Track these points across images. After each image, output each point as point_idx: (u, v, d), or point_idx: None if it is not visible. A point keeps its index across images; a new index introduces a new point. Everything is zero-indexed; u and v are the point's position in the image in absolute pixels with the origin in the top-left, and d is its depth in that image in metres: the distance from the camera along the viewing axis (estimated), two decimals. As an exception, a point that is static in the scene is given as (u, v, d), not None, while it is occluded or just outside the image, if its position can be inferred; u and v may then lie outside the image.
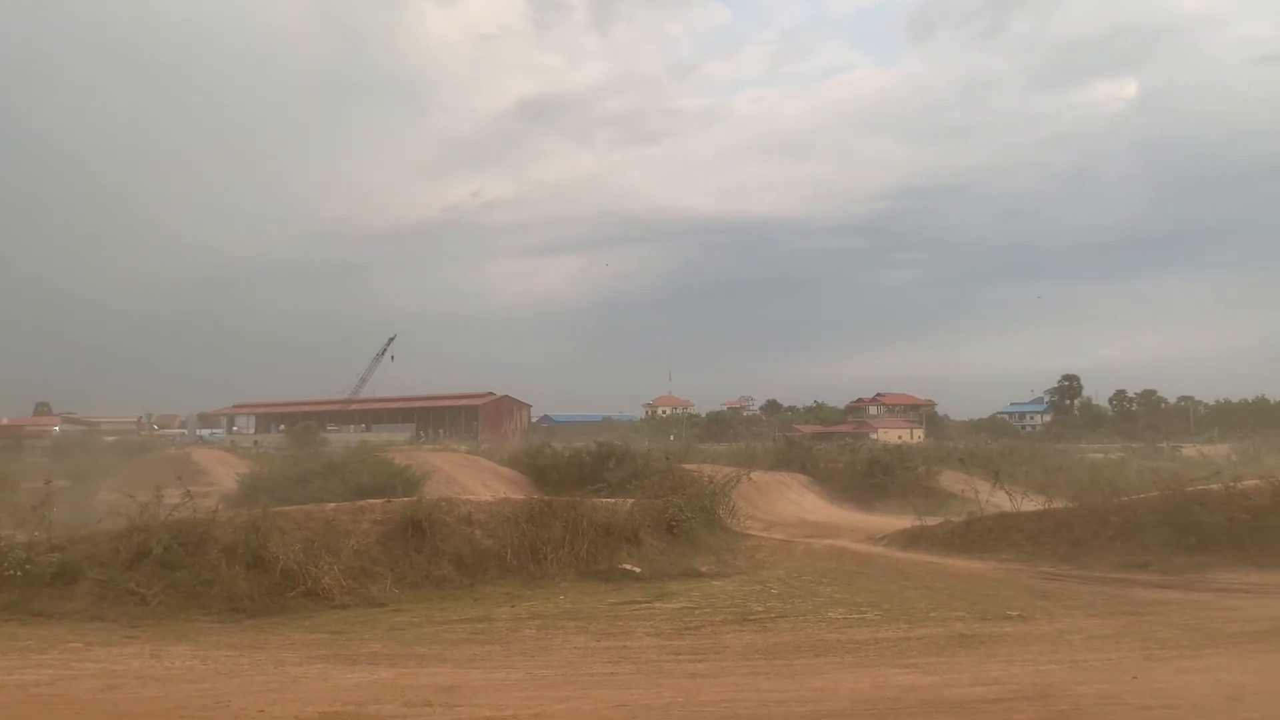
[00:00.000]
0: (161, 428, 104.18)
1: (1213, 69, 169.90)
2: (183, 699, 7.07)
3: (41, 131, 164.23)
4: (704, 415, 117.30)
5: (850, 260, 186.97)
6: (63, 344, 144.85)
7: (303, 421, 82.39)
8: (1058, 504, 17.48)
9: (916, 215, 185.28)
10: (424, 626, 10.42)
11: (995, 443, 61.27)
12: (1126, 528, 15.30)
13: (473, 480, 31.97)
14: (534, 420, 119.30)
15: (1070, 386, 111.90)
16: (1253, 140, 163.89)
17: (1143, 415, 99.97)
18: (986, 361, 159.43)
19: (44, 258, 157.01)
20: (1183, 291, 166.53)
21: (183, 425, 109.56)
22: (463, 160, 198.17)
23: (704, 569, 14.20)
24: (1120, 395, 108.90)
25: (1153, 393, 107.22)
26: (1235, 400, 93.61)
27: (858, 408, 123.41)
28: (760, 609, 11.06)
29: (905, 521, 19.33)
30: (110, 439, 62.69)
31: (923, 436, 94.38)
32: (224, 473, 33.29)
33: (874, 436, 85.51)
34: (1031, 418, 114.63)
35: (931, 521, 18.46)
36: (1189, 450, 46.32)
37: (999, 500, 19.68)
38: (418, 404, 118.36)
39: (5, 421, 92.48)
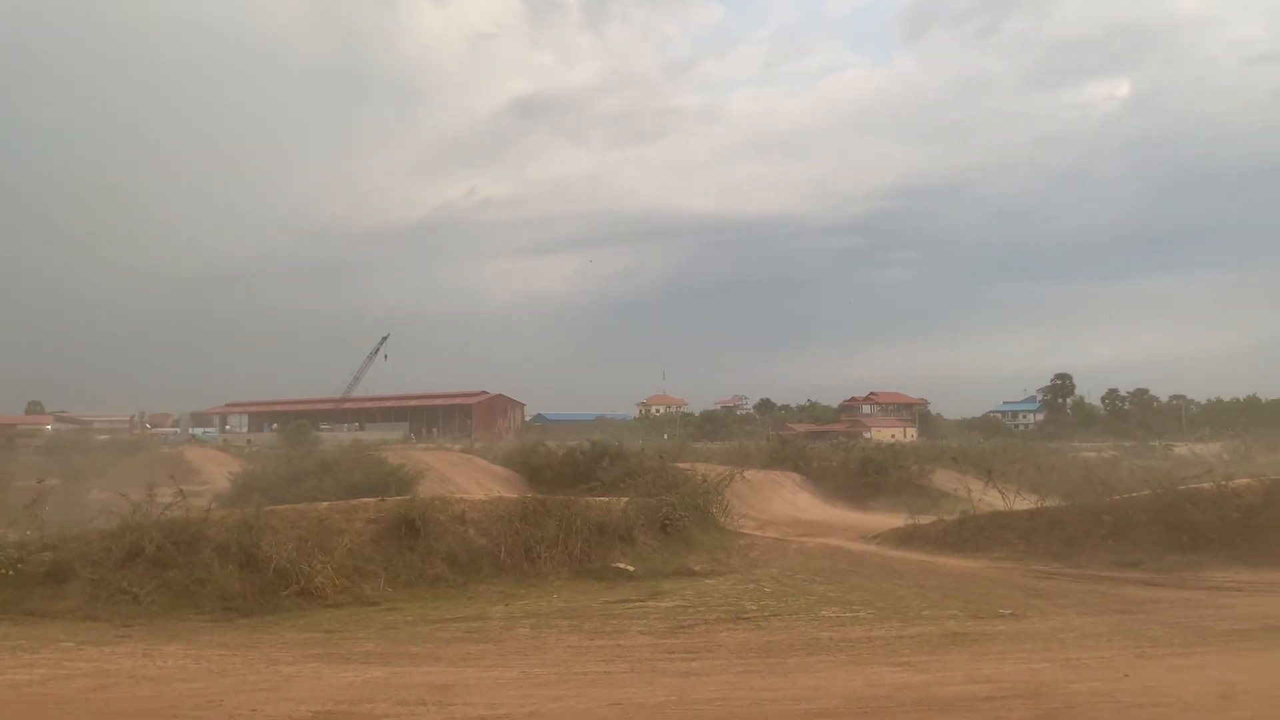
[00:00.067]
0: (154, 426, 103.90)
1: (1206, 69, 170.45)
2: (175, 698, 7.06)
3: (38, 130, 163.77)
4: (698, 414, 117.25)
5: (845, 260, 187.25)
6: (56, 342, 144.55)
7: (296, 420, 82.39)
8: (1050, 503, 17.53)
9: (911, 215, 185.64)
10: (417, 625, 10.42)
11: (988, 441, 61.37)
12: (1119, 526, 15.34)
13: (466, 479, 31.94)
14: (528, 419, 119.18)
15: (1063, 385, 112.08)
16: (1246, 140, 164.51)
17: (1135, 414, 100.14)
18: (980, 360, 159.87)
19: (38, 256, 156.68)
20: (1176, 291, 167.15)
21: (176, 424, 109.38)
22: (458, 159, 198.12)
23: (698, 567, 14.22)
24: (1113, 394, 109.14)
25: (1145, 392, 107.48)
26: (1227, 399, 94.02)
27: (851, 407, 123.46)
28: (754, 607, 11.07)
29: (898, 520, 19.38)
30: (103, 438, 62.47)
31: (916, 435, 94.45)
32: (217, 472, 33.23)
33: (867, 435, 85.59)
34: (1024, 417, 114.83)
35: (924, 520, 18.50)
36: (1181, 449, 46.47)
37: (992, 499, 19.76)
38: (411, 403, 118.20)
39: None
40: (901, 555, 16.10)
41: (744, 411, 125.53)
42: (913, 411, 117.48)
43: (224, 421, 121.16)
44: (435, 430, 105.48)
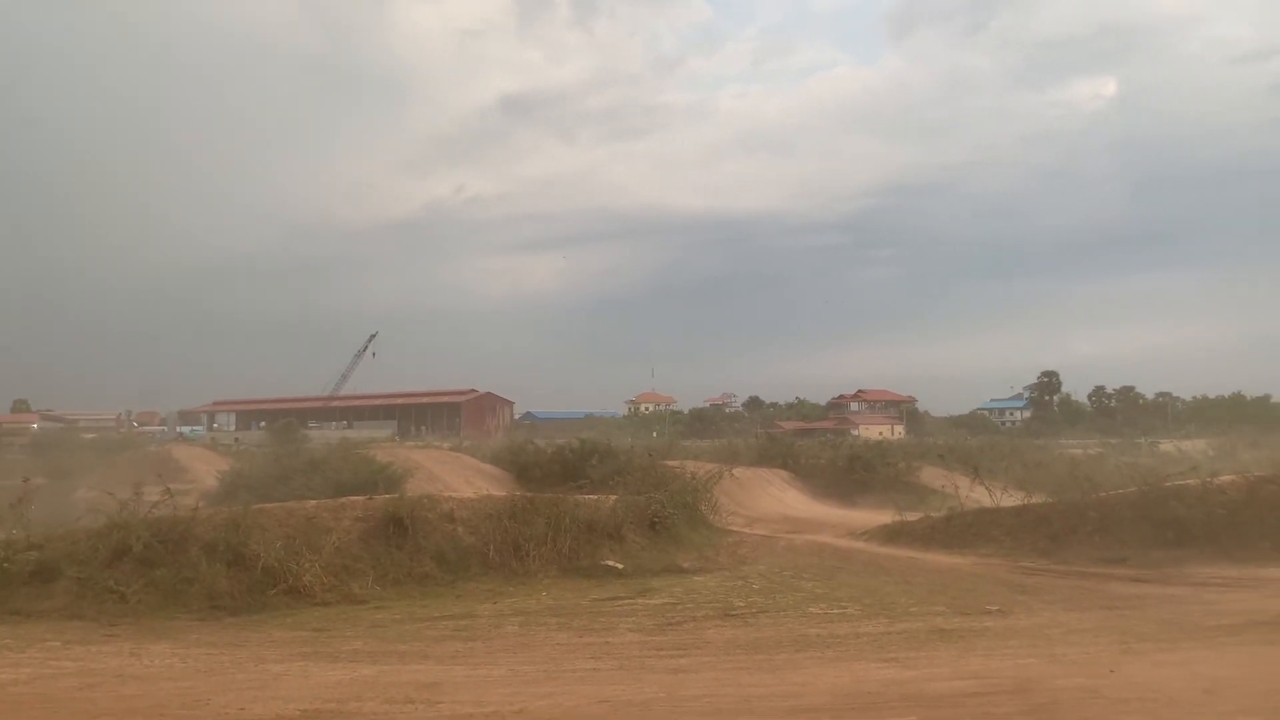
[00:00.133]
0: (141, 425, 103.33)
1: (1191, 68, 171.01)
2: (163, 697, 7.04)
3: (23, 129, 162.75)
4: (686, 412, 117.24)
5: (832, 257, 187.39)
6: (41, 340, 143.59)
7: (284, 419, 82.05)
8: (1036, 499, 17.59)
9: (898, 213, 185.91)
10: (406, 624, 10.41)
11: (975, 439, 61.57)
12: (1104, 523, 15.41)
13: (455, 477, 31.90)
14: (517, 417, 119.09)
15: (1049, 383, 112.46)
16: (1230, 139, 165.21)
17: (1121, 411, 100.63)
18: (967, 358, 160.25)
19: (24, 254, 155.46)
20: (1162, 288, 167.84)
21: (163, 422, 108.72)
22: (446, 156, 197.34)
23: (686, 565, 14.24)
24: (1099, 391, 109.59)
25: (1131, 389, 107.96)
26: (1213, 396, 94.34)
27: (839, 404, 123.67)
28: (742, 604, 11.10)
29: (886, 517, 19.42)
30: (89, 436, 62.13)
31: (903, 433, 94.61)
32: (204, 470, 33.13)
33: (855, 433, 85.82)
34: (1011, 414, 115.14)
35: (912, 517, 18.56)
36: (1166, 446, 46.66)
37: (978, 496, 19.81)
38: (400, 401, 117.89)
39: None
40: (889, 552, 16.15)
41: (733, 409, 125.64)
42: (900, 409, 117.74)
43: (211, 420, 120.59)
44: (424, 428, 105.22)
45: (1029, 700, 6.35)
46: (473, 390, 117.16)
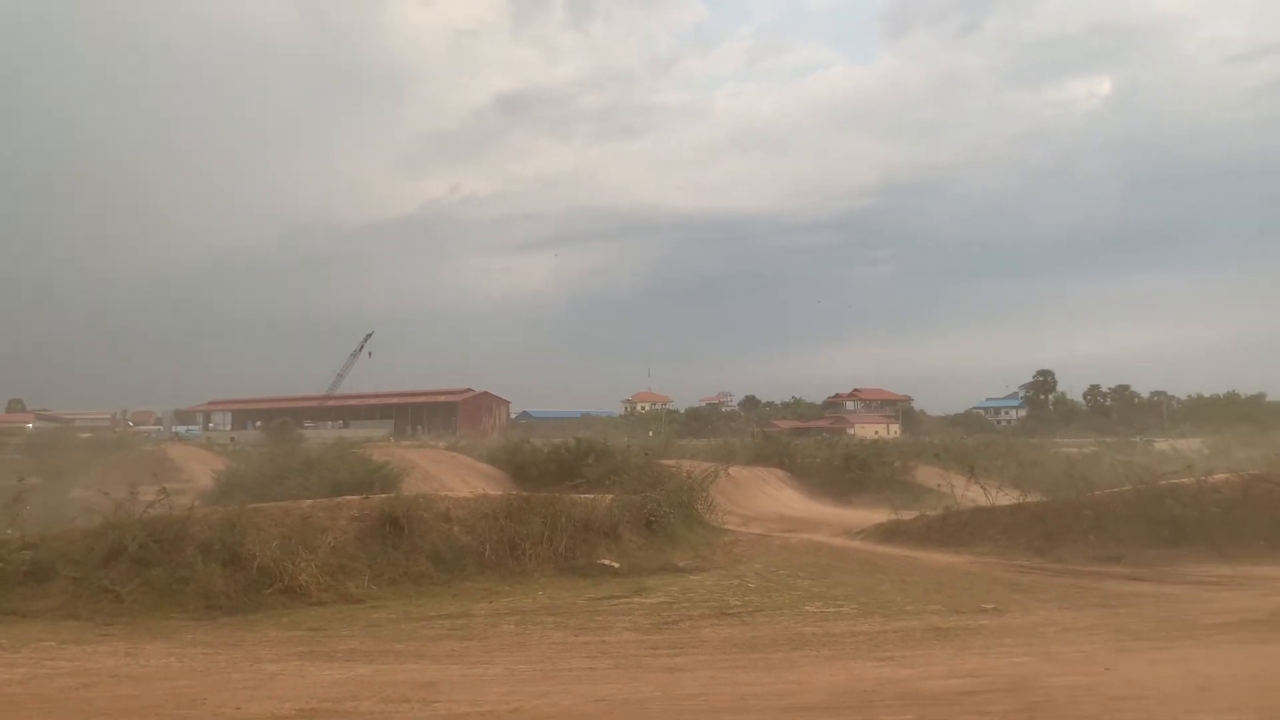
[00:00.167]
0: (137, 424, 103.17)
1: (1185, 68, 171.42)
2: (158, 697, 7.03)
3: (15, 129, 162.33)
4: (683, 411, 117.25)
5: (828, 257, 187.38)
6: (37, 339, 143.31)
7: (279, 418, 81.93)
8: (1032, 498, 17.64)
9: (893, 212, 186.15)
10: (402, 623, 10.40)
11: (970, 437, 61.62)
12: (1100, 521, 15.46)
13: (451, 477, 31.88)
14: (513, 416, 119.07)
15: (1045, 382, 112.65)
16: (1224, 139, 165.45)
17: (1116, 410, 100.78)
18: (962, 357, 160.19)
19: (17, 254, 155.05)
20: (1157, 288, 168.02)
21: (158, 422, 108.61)
22: (442, 155, 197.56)
23: (682, 564, 14.25)
24: (1094, 390, 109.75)
25: (1126, 388, 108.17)
26: (1207, 395, 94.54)
27: (835, 403, 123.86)
28: (738, 603, 11.11)
29: (881, 516, 19.46)
30: (84, 436, 61.86)
31: (899, 431, 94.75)
32: (200, 470, 33.09)
33: (851, 432, 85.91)
34: (1006, 413, 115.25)
35: (907, 516, 18.61)
36: (1162, 444, 46.78)
37: (974, 494, 19.85)
38: (396, 400, 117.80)
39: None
40: (885, 550, 16.18)
41: (729, 408, 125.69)
42: (896, 408, 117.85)
43: (207, 419, 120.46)
44: (420, 428, 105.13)
45: (1024, 698, 6.35)
46: (469, 390, 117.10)
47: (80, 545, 11.87)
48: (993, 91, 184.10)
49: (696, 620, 10.20)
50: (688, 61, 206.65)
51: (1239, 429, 47.21)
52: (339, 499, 14.70)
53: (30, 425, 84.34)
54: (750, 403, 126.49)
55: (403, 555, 13.02)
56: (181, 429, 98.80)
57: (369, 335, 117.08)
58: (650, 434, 76.20)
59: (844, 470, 35.71)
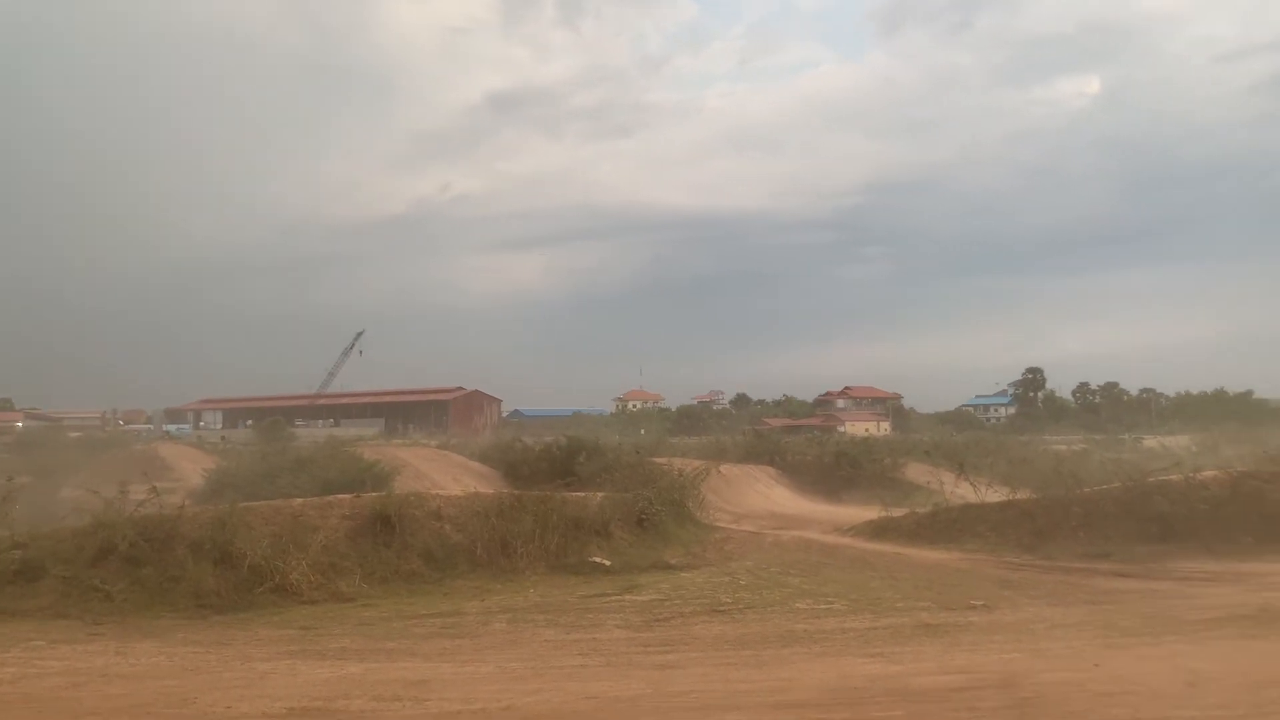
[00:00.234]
0: (127, 423, 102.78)
1: (1175, 66, 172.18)
2: (149, 696, 7.01)
3: (3, 126, 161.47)
4: (674, 409, 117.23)
5: (819, 255, 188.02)
6: (26, 338, 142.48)
7: (271, 417, 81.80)
8: (1021, 495, 17.72)
9: (884, 210, 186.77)
10: (393, 621, 10.40)
11: (960, 435, 61.82)
12: (1089, 518, 15.53)
13: (443, 475, 31.86)
14: (504, 415, 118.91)
15: (1034, 379, 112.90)
16: (1212, 137, 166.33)
17: (1105, 407, 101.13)
18: (953, 355, 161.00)
19: (6, 253, 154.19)
20: (1145, 285, 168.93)
21: (149, 421, 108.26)
22: (432, 154, 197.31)
23: (673, 561, 14.26)
24: (1083, 388, 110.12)
25: (1115, 385, 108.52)
26: (1195, 392, 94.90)
27: (826, 401, 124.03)
28: (729, 600, 11.13)
29: (872, 513, 19.49)
30: (74, 435, 61.69)
31: (889, 429, 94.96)
32: (191, 468, 32.95)
33: (841, 429, 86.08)
34: (996, 410, 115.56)
35: (897, 513, 18.65)
36: (1150, 442, 47.04)
37: (964, 492, 19.90)
38: (387, 399, 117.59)
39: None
40: (875, 547, 16.22)
41: (720, 406, 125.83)
42: (886, 405, 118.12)
43: (198, 418, 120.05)
44: (411, 426, 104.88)
45: (1014, 694, 6.39)
46: (460, 388, 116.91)
47: (70, 544, 11.83)
48: (984, 90, 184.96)
49: (688, 617, 10.22)
50: (679, 60, 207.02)
51: (1227, 426, 47.40)
52: (330, 497, 14.67)
53: (20, 424, 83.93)
54: (741, 401, 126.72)
55: (394, 554, 13.00)
56: (172, 427, 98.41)
57: (360, 334, 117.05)
58: (642, 432, 76.20)
59: (835, 468, 35.83)
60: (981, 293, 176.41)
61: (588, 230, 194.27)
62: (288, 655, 8.60)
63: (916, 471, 32.57)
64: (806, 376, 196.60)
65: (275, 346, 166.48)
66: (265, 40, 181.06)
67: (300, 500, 14.62)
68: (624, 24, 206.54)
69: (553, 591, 12.13)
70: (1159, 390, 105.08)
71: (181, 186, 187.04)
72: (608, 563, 13.72)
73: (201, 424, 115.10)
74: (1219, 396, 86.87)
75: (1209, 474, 16.34)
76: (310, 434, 66.88)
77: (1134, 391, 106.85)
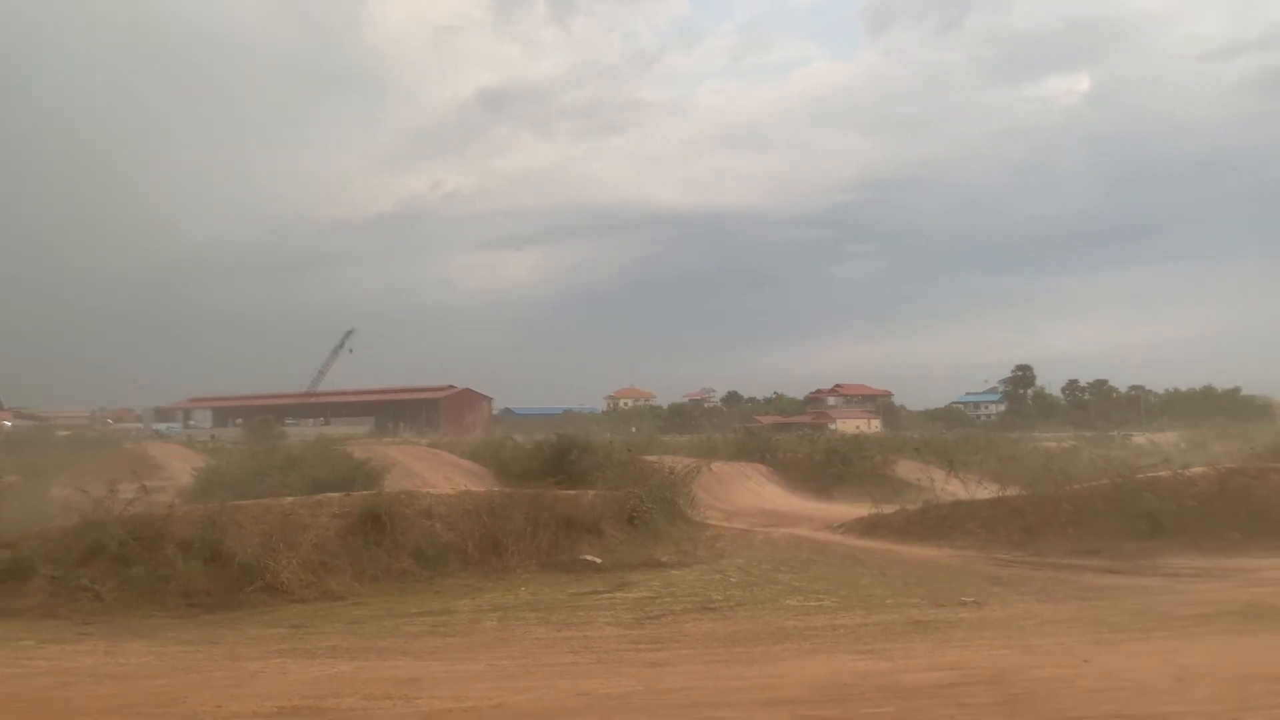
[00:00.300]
0: (117, 422, 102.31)
1: (1163, 64, 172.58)
2: (138, 696, 6.99)
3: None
4: (665, 407, 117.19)
5: (810, 252, 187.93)
6: (13, 337, 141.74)
7: (260, 415, 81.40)
8: (1011, 492, 17.78)
9: (875, 207, 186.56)
10: (384, 620, 10.38)
11: (950, 432, 62.00)
12: (1078, 515, 15.59)
13: (433, 473, 31.80)
14: (495, 413, 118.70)
15: (1024, 376, 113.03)
16: (1201, 135, 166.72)
17: (1094, 404, 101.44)
18: (943, 352, 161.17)
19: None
20: (1135, 282, 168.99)
21: (138, 420, 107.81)
22: (423, 152, 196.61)
23: (665, 559, 14.28)
24: (1073, 385, 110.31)
25: (1104, 382, 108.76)
26: (1184, 389, 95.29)
27: (817, 398, 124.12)
28: (720, 597, 11.14)
29: (862, 510, 19.56)
30: (63, 434, 61.49)
31: (880, 426, 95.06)
32: (180, 467, 32.84)
33: (832, 427, 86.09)
34: (986, 407, 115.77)
35: (888, 510, 18.71)
36: (1139, 438, 47.16)
37: (954, 488, 19.94)
38: (377, 397, 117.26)
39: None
40: (865, 544, 16.26)
41: (711, 404, 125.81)
42: (877, 403, 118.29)
43: (187, 417, 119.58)
44: (402, 425, 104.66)
45: (1004, 691, 6.40)
46: (451, 386, 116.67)
47: (59, 543, 11.79)
48: (973, 88, 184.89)
49: (678, 615, 10.22)
50: (671, 57, 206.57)
51: (1215, 423, 47.66)
52: (320, 496, 14.63)
53: (8, 424, 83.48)
54: (733, 398, 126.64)
55: (385, 552, 12.98)
56: (162, 426, 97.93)
57: (350, 332, 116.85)
58: (633, 430, 76.19)
59: (825, 465, 35.93)
60: (972, 290, 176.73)
61: (579, 228, 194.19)
62: (278, 654, 8.58)
63: (907, 469, 32.65)
64: (797, 374, 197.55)
65: (265, 345, 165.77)
66: (256, 38, 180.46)
67: (290, 499, 14.58)
68: (615, 21, 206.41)
69: (544, 589, 12.13)
70: (1148, 387, 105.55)
71: (171, 185, 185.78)
72: (599, 560, 13.73)
73: (191, 423, 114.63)
74: (1207, 393, 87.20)
75: (1197, 470, 16.42)
76: (300, 432, 66.68)
77: (1123, 388, 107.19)
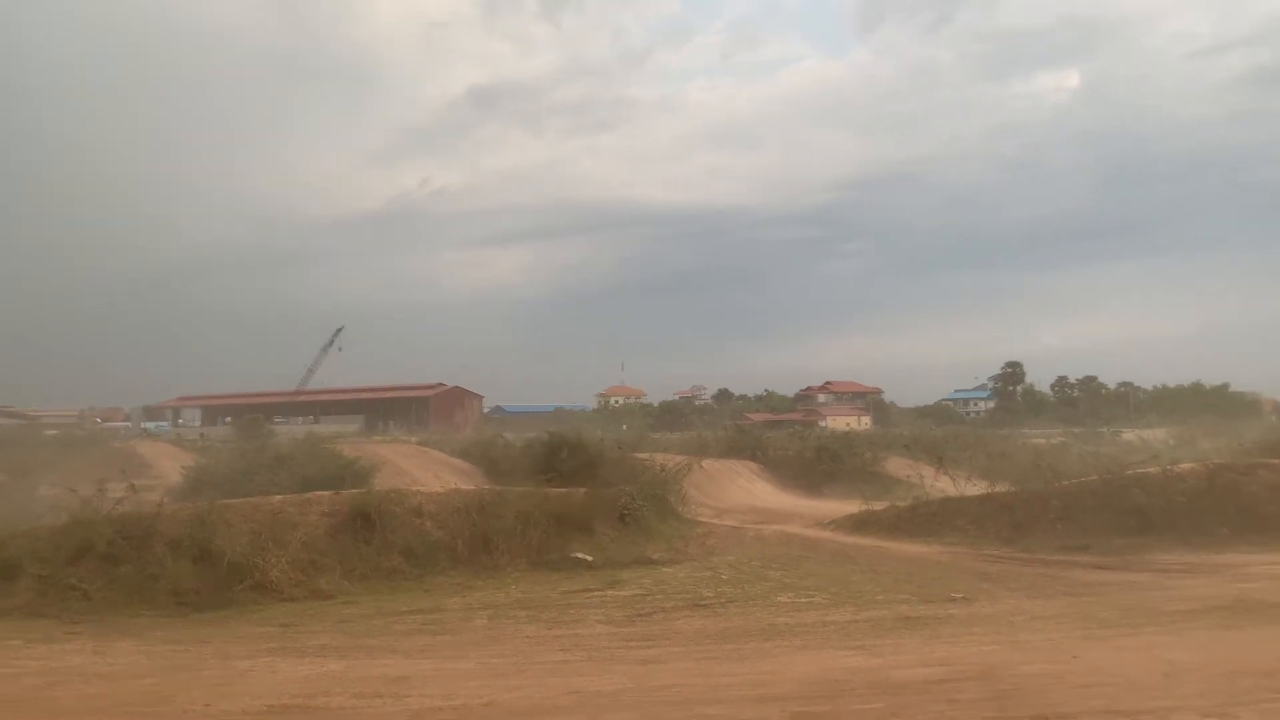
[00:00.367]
0: (105, 421, 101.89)
1: (1151, 62, 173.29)
2: (127, 695, 6.96)
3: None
4: (656, 404, 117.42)
5: (801, 250, 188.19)
6: (1, 335, 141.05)
7: (250, 414, 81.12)
8: (1000, 488, 17.80)
9: (866, 205, 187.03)
10: (374, 618, 10.36)
11: (940, 429, 62.21)
12: (1067, 511, 15.63)
13: (423, 472, 31.76)
14: (486, 411, 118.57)
15: (1013, 373, 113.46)
16: (1190, 132, 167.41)
17: (1084, 401, 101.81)
18: (933, 349, 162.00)
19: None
20: (1124, 279, 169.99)
21: (127, 418, 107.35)
22: (412, 149, 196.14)
23: (656, 556, 14.28)
24: (1062, 381, 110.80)
25: (1094, 379, 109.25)
26: (1173, 386, 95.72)
27: (807, 396, 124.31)
28: (711, 595, 11.14)
29: (852, 507, 19.58)
30: (51, 433, 61.11)
31: (870, 423, 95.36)
32: (169, 466, 32.74)
33: (823, 424, 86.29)
34: (975, 404, 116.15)
35: (878, 506, 18.73)
36: (1128, 435, 47.23)
37: (943, 485, 20.03)
38: (367, 395, 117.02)
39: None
40: (855, 541, 16.28)
41: (702, 401, 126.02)
42: (867, 400, 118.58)
43: (176, 415, 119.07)
44: (392, 423, 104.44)
45: (993, 686, 6.41)
46: (441, 384, 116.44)
47: (47, 543, 11.74)
48: (962, 85, 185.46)
49: (669, 612, 10.23)
50: (660, 55, 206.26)
51: (1204, 419, 47.75)
52: (310, 494, 14.59)
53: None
54: (723, 396, 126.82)
55: (374, 551, 12.96)
56: (150, 425, 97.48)
57: (339, 330, 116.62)
58: (624, 427, 76.19)
59: (816, 462, 36.00)
60: (961, 287, 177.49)
61: (569, 225, 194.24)
62: (267, 653, 8.55)
63: (897, 465, 32.76)
64: (788, 371, 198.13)
65: (254, 343, 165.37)
66: (244, 36, 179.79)
67: (280, 497, 14.53)
68: (606, 18, 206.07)
69: (534, 587, 12.12)
70: (1137, 384, 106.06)
71: (159, 183, 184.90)
72: (590, 558, 13.73)
73: (180, 421, 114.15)
74: (1196, 390, 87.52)
75: (1186, 467, 16.46)
76: (289, 431, 66.35)
77: (1112, 385, 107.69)
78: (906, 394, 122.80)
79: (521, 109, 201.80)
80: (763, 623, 9.50)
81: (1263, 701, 5.81)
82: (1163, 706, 5.74)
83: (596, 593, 11.53)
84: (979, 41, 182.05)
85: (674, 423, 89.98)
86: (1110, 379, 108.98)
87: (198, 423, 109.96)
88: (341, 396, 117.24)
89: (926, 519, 17.11)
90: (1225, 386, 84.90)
